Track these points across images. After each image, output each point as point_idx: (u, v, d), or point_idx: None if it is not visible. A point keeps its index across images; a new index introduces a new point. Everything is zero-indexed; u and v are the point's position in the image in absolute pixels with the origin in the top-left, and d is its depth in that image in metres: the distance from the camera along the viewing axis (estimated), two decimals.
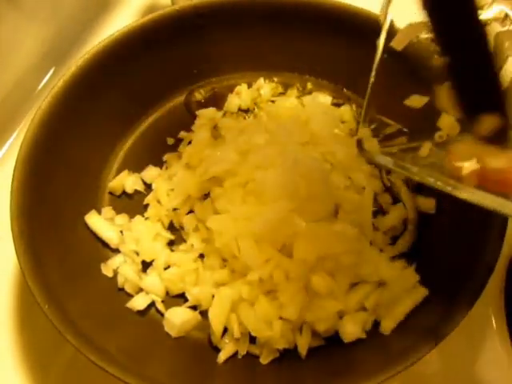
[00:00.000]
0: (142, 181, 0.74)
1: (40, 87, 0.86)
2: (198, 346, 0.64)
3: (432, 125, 0.53)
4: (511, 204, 0.44)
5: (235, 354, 0.63)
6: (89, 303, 0.63)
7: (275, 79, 0.81)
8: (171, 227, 0.71)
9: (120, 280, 0.67)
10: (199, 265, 0.66)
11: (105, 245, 0.69)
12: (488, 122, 0.45)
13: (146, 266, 0.68)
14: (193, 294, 0.65)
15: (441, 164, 0.49)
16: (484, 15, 0.69)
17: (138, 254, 0.67)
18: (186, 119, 0.78)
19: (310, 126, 0.73)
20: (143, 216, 0.71)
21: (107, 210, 0.71)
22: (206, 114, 0.78)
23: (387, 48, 0.51)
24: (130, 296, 0.66)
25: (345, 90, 0.80)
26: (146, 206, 0.72)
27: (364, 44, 0.72)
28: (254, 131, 0.71)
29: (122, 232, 0.69)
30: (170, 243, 0.69)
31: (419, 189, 0.73)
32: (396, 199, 0.72)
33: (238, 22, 0.75)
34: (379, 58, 0.51)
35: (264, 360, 0.62)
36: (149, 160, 0.75)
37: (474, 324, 0.67)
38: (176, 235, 0.70)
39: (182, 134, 0.77)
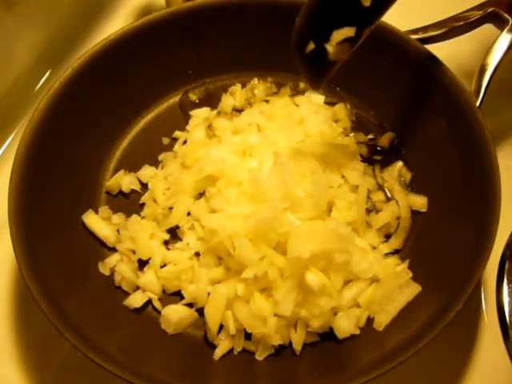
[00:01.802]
0: (139, 180, 0.75)
1: (37, 89, 0.87)
2: (195, 343, 0.65)
3: None
4: None
5: (231, 350, 0.64)
6: (86, 301, 0.64)
7: (269, 79, 0.81)
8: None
9: (117, 278, 0.67)
10: (195, 263, 0.67)
11: (102, 244, 0.70)
12: None
13: (142, 264, 0.68)
14: (189, 292, 0.65)
15: None
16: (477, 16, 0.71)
17: (134, 252, 0.68)
18: (181, 119, 0.79)
19: (303, 125, 0.74)
20: (139, 215, 0.71)
21: (104, 210, 0.72)
22: (201, 114, 0.78)
23: None
24: (127, 294, 0.67)
25: (338, 89, 0.80)
26: (143, 205, 0.72)
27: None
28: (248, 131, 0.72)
29: (118, 231, 0.70)
30: (166, 242, 0.70)
31: (412, 187, 0.74)
32: (389, 197, 0.73)
33: (232, 23, 0.76)
34: None
35: (260, 356, 0.63)
36: (145, 160, 0.76)
37: (467, 319, 0.68)
38: (172, 234, 0.70)
39: (177, 133, 0.78)
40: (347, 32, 0.56)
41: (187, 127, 0.78)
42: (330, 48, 0.57)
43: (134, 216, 0.71)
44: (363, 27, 0.56)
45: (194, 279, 0.66)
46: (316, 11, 0.57)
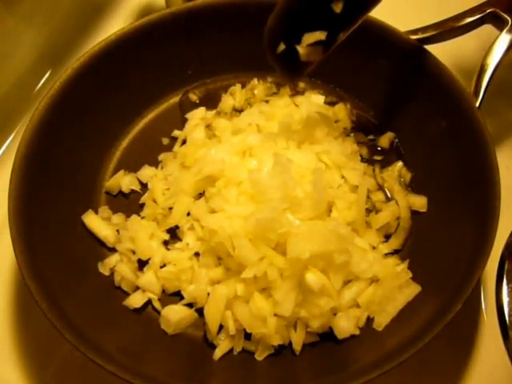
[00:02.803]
0: (138, 180, 0.75)
1: (37, 89, 0.87)
2: (194, 343, 0.65)
3: None
4: None
5: (231, 350, 0.64)
6: (86, 301, 0.64)
7: (269, 79, 0.81)
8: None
9: (117, 278, 0.67)
10: (194, 263, 0.67)
11: (102, 244, 0.70)
12: None
13: (142, 264, 0.68)
14: (188, 292, 0.65)
15: None
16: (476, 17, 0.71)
17: (134, 252, 0.68)
18: (180, 120, 0.79)
19: (303, 125, 0.74)
20: (139, 215, 0.71)
21: (104, 210, 0.72)
22: (197, 115, 0.79)
23: None
24: (127, 294, 0.67)
25: (338, 89, 0.80)
26: (142, 205, 0.72)
27: (356, 44, 0.74)
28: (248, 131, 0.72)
29: (118, 231, 0.70)
30: (166, 242, 0.70)
31: (412, 187, 0.74)
32: (389, 197, 0.73)
33: (232, 23, 0.76)
34: None
35: (259, 356, 0.63)
36: (144, 160, 0.76)
37: (466, 319, 0.68)
38: (172, 234, 0.70)
39: (176, 132, 0.78)
40: (318, 35, 0.57)
41: (184, 129, 0.78)
42: (300, 50, 0.58)
43: (134, 216, 0.70)
44: (336, 32, 0.57)
45: (194, 279, 0.66)
46: (288, 13, 0.58)
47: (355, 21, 0.58)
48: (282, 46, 0.60)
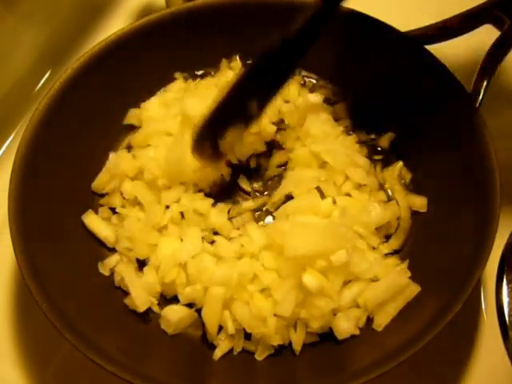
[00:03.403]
0: None
1: (37, 89, 0.87)
2: (194, 343, 0.65)
3: None
4: None
5: (231, 350, 0.64)
6: (86, 301, 0.64)
7: None
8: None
9: (117, 278, 0.67)
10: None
11: (102, 244, 0.70)
12: None
13: (142, 264, 0.68)
14: (185, 294, 0.65)
15: None
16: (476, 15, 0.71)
17: (133, 252, 0.68)
18: None
19: (304, 125, 0.74)
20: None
21: (104, 210, 0.72)
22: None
23: None
24: (127, 294, 0.67)
25: (337, 89, 0.80)
26: None
27: (356, 43, 0.74)
28: None
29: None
30: None
31: (412, 187, 0.74)
32: (390, 197, 0.73)
33: (232, 23, 0.76)
34: None
35: (259, 356, 0.63)
36: None
37: (466, 319, 0.68)
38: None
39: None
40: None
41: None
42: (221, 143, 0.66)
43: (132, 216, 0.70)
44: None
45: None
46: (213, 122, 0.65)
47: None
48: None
